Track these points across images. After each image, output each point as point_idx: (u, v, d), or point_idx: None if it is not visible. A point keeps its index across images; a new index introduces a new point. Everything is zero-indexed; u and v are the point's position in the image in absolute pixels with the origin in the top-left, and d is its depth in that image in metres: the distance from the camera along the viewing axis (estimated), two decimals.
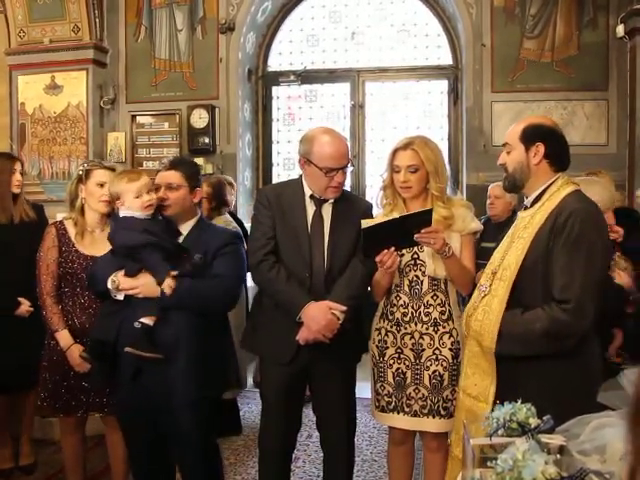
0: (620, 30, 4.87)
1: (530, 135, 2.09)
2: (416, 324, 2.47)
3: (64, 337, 2.66)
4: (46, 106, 5.58)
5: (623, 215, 3.07)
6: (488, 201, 4.27)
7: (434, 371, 2.46)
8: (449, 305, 2.49)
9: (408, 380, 2.48)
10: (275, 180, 5.90)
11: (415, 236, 2.28)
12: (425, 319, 2.47)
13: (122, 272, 2.37)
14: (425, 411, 2.46)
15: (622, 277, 2.71)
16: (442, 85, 5.74)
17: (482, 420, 1.51)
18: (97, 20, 5.50)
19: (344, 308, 2.41)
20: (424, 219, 2.28)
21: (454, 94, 5.63)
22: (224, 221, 3.90)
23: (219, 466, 2.64)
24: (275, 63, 6.06)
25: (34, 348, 2.80)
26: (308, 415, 2.97)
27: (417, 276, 2.49)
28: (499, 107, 5.17)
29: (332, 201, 2.52)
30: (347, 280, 2.48)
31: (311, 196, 2.53)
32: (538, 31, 5.12)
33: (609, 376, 1.60)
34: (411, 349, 2.48)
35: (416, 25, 5.77)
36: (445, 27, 5.69)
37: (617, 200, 3.22)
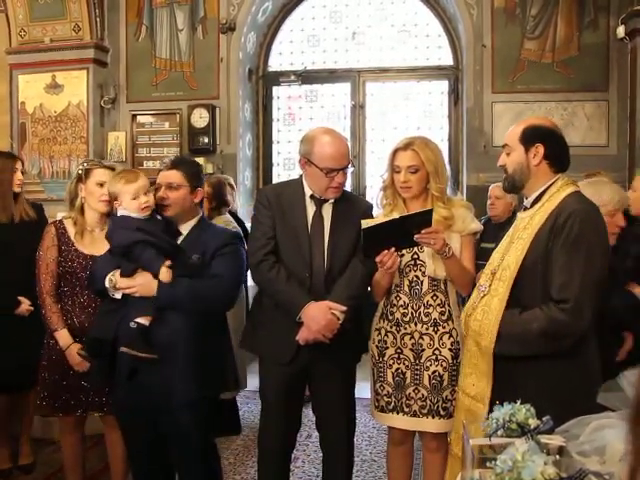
0: (621, 31, 4.88)
1: (530, 136, 2.09)
2: (416, 324, 2.47)
3: (63, 336, 2.66)
4: (46, 105, 5.58)
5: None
6: (489, 202, 4.28)
7: (434, 371, 2.46)
8: (449, 305, 2.49)
9: (408, 380, 2.48)
10: (275, 180, 5.90)
11: (415, 236, 2.28)
12: (425, 319, 2.47)
13: (119, 271, 2.38)
14: (425, 411, 2.46)
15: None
16: (442, 85, 5.74)
17: (481, 420, 1.51)
18: (98, 19, 5.51)
19: (344, 308, 2.41)
20: (424, 219, 2.28)
21: (454, 95, 5.64)
22: (224, 221, 3.90)
23: (217, 466, 2.64)
24: (276, 63, 6.06)
25: (34, 348, 2.80)
26: (308, 415, 2.97)
27: (417, 276, 2.49)
28: (499, 108, 5.17)
29: (332, 201, 2.52)
30: (347, 280, 2.48)
31: (311, 196, 2.53)
32: (539, 32, 5.12)
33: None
34: (411, 349, 2.48)
35: (417, 25, 5.77)
36: (446, 27, 5.69)
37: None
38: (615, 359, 2.60)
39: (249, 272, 2.76)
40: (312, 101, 6.01)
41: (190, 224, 2.50)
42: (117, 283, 2.35)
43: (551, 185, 2.09)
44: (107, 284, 2.37)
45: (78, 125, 5.54)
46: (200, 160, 4.92)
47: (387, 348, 2.52)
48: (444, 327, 2.47)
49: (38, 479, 3.35)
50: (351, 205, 2.58)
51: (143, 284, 2.34)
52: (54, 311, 2.69)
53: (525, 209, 2.16)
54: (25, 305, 3.10)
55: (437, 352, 2.46)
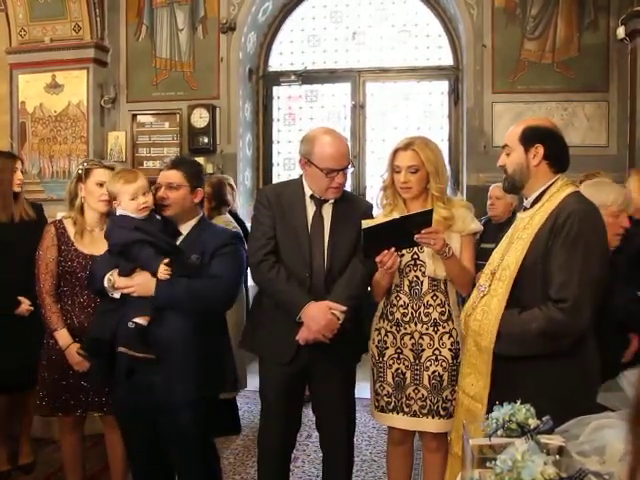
0: (621, 32, 4.88)
1: (529, 136, 2.10)
2: (416, 324, 2.47)
3: (63, 336, 2.66)
4: (47, 105, 5.58)
5: None
6: (489, 202, 4.28)
7: (434, 371, 2.46)
8: (449, 305, 2.49)
9: (408, 380, 2.48)
10: (275, 180, 5.90)
11: (415, 236, 2.28)
12: (425, 319, 2.47)
13: (118, 270, 2.38)
14: (424, 411, 2.46)
15: None
16: (443, 86, 5.74)
17: (479, 420, 1.51)
18: (98, 19, 5.51)
19: (344, 308, 2.41)
20: (425, 219, 2.28)
21: (455, 95, 5.64)
22: (224, 221, 3.90)
23: (217, 466, 2.64)
24: (276, 63, 6.06)
25: (34, 347, 2.79)
26: (308, 415, 2.97)
27: (417, 276, 2.49)
28: (500, 108, 5.17)
29: (332, 201, 2.52)
30: (347, 280, 2.48)
31: (311, 196, 2.53)
32: (539, 32, 5.12)
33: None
34: (411, 349, 2.48)
35: (417, 25, 5.77)
36: (446, 28, 5.69)
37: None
38: (619, 359, 2.59)
39: (249, 272, 2.76)
40: (312, 101, 6.01)
41: (190, 224, 2.50)
42: (115, 283, 2.36)
43: (551, 185, 2.09)
44: (106, 284, 2.37)
45: (78, 125, 5.54)
46: (200, 160, 4.91)
47: (387, 348, 2.52)
48: (444, 327, 2.47)
49: (38, 479, 3.35)
50: (351, 205, 2.58)
51: (141, 284, 2.34)
52: (54, 311, 2.69)
53: (525, 209, 2.17)
54: (25, 305, 3.10)
55: (437, 352, 2.46)
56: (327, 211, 2.53)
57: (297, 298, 2.43)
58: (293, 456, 2.84)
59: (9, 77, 5.64)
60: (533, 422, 1.41)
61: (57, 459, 3.22)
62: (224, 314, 2.58)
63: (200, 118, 5.50)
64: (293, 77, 5.86)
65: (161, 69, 5.67)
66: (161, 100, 5.67)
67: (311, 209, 2.53)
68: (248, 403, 4.41)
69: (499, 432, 1.42)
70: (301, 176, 2.59)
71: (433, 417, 2.46)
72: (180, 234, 2.48)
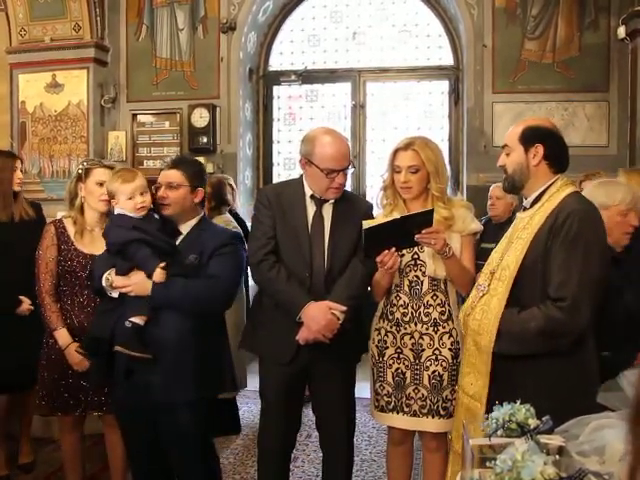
0: (621, 32, 4.88)
1: (529, 137, 2.10)
2: (416, 324, 2.47)
3: (62, 336, 2.66)
4: (47, 105, 5.58)
5: None
6: (489, 202, 4.28)
7: (434, 371, 2.46)
8: (449, 305, 2.49)
9: (407, 380, 2.48)
10: (275, 180, 5.90)
11: (416, 236, 2.28)
12: (425, 319, 2.47)
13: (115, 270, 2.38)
14: (424, 411, 2.46)
15: None
16: (443, 86, 5.74)
17: (479, 419, 1.51)
18: (98, 19, 5.50)
19: (344, 308, 2.41)
20: (425, 219, 2.28)
21: (455, 95, 5.64)
22: (224, 221, 3.91)
23: (216, 466, 2.64)
24: (276, 63, 6.06)
25: (33, 347, 2.79)
26: (308, 415, 2.97)
27: (417, 276, 2.49)
28: (500, 108, 5.17)
29: (332, 201, 2.52)
30: (347, 280, 2.48)
31: (311, 196, 2.53)
32: (539, 32, 5.12)
33: None
34: (411, 349, 2.48)
35: (417, 25, 5.77)
36: (446, 28, 5.69)
37: None
38: (625, 358, 2.57)
39: (249, 272, 2.76)
40: (312, 101, 6.01)
41: (190, 224, 2.50)
42: (113, 282, 2.36)
43: (550, 185, 2.09)
44: (104, 283, 2.38)
45: (78, 124, 5.54)
46: (200, 160, 4.93)
47: (387, 348, 2.52)
48: (444, 327, 2.47)
49: (38, 478, 3.35)
50: (351, 205, 2.58)
51: (138, 283, 2.34)
52: (53, 310, 2.69)
53: (524, 209, 2.17)
54: (26, 304, 3.09)
55: (437, 352, 2.46)
56: (327, 211, 2.53)
57: (297, 298, 2.43)
58: (293, 456, 2.84)
59: (9, 77, 5.64)
60: (533, 422, 1.41)
61: (57, 459, 3.22)
62: (223, 314, 2.57)
63: (200, 118, 5.50)
64: (293, 77, 5.86)
65: (161, 69, 5.67)
66: (161, 100, 5.66)
67: (311, 209, 2.53)
68: (248, 403, 4.41)
69: (499, 432, 1.42)
70: (301, 176, 2.59)
71: (433, 417, 2.46)
72: (180, 233, 2.48)
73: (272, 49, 6.06)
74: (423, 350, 2.47)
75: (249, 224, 3.63)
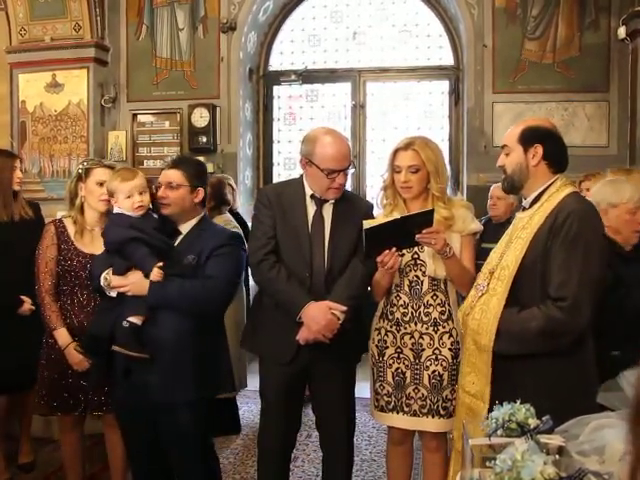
0: (622, 32, 4.88)
1: (528, 137, 2.10)
2: (416, 324, 2.47)
3: (62, 335, 2.66)
4: (47, 104, 5.57)
5: None
6: (490, 202, 4.27)
7: (434, 371, 2.46)
8: (449, 305, 2.49)
9: (407, 380, 2.48)
10: (276, 180, 5.90)
11: (416, 236, 2.28)
12: (425, 319, 2.47)
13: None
14: (424, 411, 2.46)
15: None
16: (443, 86, 5.74)
17: (481, 419, 1.51)
18: (98, 18, 5.50)
19: (344, 308, 2.41)
20: (426, 219, 2.28)
21: (455, 95, 5.63)
22: (224, 220, 3.90)
23: (216, 466, 2.64)
24: (276, 62, 6.06)
25: (33, 347, 2.79)
26: (308, 415, 2.97)
27: (417, 276, 2.49)
28: (500, 108, 5.17)
29: (333, 201, 2.52)
30: (347, 280, 2.48)
31: (312, 196, 2.53)
32: (539, 32, 5.12)
33: None
34: (411, 349, 2.48)
35: (417, 25, 5.77)
36: (447, 28, 5.69)
37: None
38: (632, 358, 2.56)
39: (250, 272, 2.75)
40: (313, 101, 6.01)
41: (190, 224, 2.50)
42: (111, 282, 2.36)
43: (550, 185, 2.10)
44: (102, 282, 2.38)
45: (78, 124, 5.54)
46: (200, 159, 4.94)
47: (387, 348, 2.52)
48: (444, 327, 2.47)
49: (38, 478, 3.36)
50: (351, 205, 2.58)
51: (135, 283, 2.34)
52: (53, 310, 2.69)
53: (524, 209, 2.17)
54: (27, 304, 3.09)
55: (437, 352, 2.46)
56: (327, 211, 2.53)
57: (297, 298, 2.43)
58: (293, 456, 2.84)
59: (9, 76, 5.64)
60: (533, 422, 1.41)
61: (57, 458, 3.22)
62: (222, 314, 2.57)
63: (200, 117, 5.50)
64: (293, 77, 5.86)
65: (161, 68, 5.67)
66: (161, 99, 5.66)
67: (312, 209, 2.53)
68: (248, 403, 4.41)
69: (499, 432, 1.42)
70: (302, 176, 2.59)
71: (433, 417, 2.46)
72: (180, 233, 2.48)
73: (272, 49, 6.06)
74: (423, 350, 2.47)
75: (250, 224, 3.62)
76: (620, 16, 4.92)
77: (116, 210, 2.45)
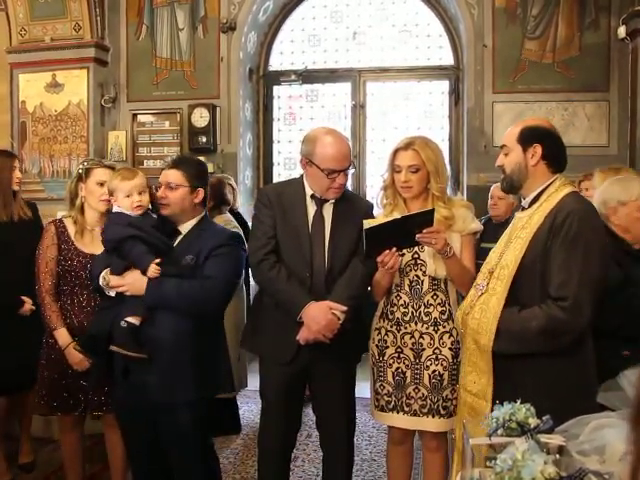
0: (622, 31, 4.87)
1: (527, 137, 2.10)
2: (416, 324, 2.47)
3: (62, 335, 2.66)
4: (47, 104, 5.58)
5: None
6: (490, 202, 4.27)
7: (434, 371, 2.46)
8: (449, 305, 2.49)
9: (408, 380, 2.48)
10: (276, 179, 5.90)
11: (417, 236, 2.29)
12: (425, 319, 2.47)
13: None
14: (425, 410, 2.46)
15: None
16: (443, 85, 5.74)
17: (484, 418, 1.51)
18: (98, 19, 5.50)
19: (344, 308, 2.41)
20: (426, 219, 2.28)
21: (455, 94, 5.63)
22: (224, 220, 3.90)
23: (216, 466, 2.64)
24: (276, 62, 6.06)
25: (33, 347, 2.79)
26: (308, 415, 2.97)
27: (417, 276, 2.49)
28: (500, 108, 5.17)
29: (333, 201, 2.52)
30: (347, 280, 2.48)
31: (312, 196, 2.53)
32: (539, 32, 5.12)
33: None
34: (411, 349, 2.48)
35: (417, 25, 5.77)
36: (447, 27, 5.69)
37: None
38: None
39: (250, 272, 2.74)
40: (313, 101, 6.01)
41: (190, 224, 2.49)
42: (110, 282, 2.36)
43: (549, 185, 2.10)
44: (101, 282, 2.39)
45: (78, 124, 5.54)
46: (201, 159, 4.93)
47: (387, 347, 2.52)
48: (444, 326, 2.47)
49: (38, 478, 3.36)
50: (352, 205, 2.58)
51: (132, 283, 2.34)
52: (53, 310, 2.69)
53: (523, 209, 2.17)
54: (28, 305, 3.09)
55: (437, 351, 2.46)
56: (328, 211, 2.53)
57: (297, 298, 2.43)
58: (293, 456, 2.84)
59: (9, 76, 5.64)
60: (533, 421, 1.41)
61: (57, 458, 3.23)
62: (221, 315, 2.56)
63: (200, 117, 5.50)
64: (293, 77, 5.86)
65: (161, 68, 5.67)
66: (161, 99, 5.66)
67: (312, 209, 2.53)
68: (248, 403, 4.41)
69: (499, 431, 1.42)
70: (302, 176, 2.59)
71: (433, 416, 2.46)
72: (179, 233, 2.48)
73: (272, 49, 6.06)
74: (423, 349, 2.47)
75: (250, 224, 3.62)
76: (620, 16, 4.92)
77: (115, 209, 2.45)
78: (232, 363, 2.69)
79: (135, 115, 5.73)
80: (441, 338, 2.46)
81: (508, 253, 2.08)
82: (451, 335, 2.46)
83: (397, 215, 2.40)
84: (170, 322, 2.36)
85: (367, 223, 2.29)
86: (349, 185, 2.94)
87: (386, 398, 2.53)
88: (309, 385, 2.64)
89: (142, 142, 5.72)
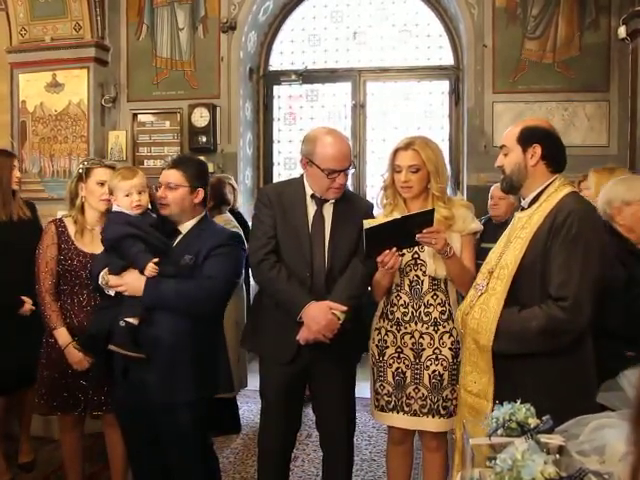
0: (622, 31, 4.87)
1: (527, 137, 2.10)
2: (416, 324, 2.47)
3: (62, 335, 2.66)
4: (47, 104, 5.57)
5: None
6: (491, 202, 4.27)
7: (434, 371, 2.46)
8: (449, 305, 2.49)
9: (408, 380, 2.48)
10: (276, 179, 5.90)
11: (417, 236, 2.29)
12: (425, 319, 2.47)
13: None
14: (425, 410, 2.46)
15: None
16: (443, 85, 5.74)
17: (484, 418, 1.51)
18: (98, 18, 5.50)
19: (344, 308, 2.41)
20: (426, 219, 2.28)
21: (455, 94, 5.63)
22: (224, 220, 3.90)
23: (216, 466, 2.64)
24: (276, 62, 6.06)
25: (33, 347, 2.79)
26: (308, 415, 2.97)
27: (417, 276, 2.49)
28: (500, 108, 5.17)
29: (333, 201, 2.52)
30: (347, 280, 2.48)
31: (312, 195, 2.53)
32: (540, 32, 5.12)
33: None
34: (411, 349, 2.48)
35: (418, 25, 5.77)
36: (447, 27, 5.69)
37: None
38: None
39: (250, 272, 2.74)
40: (313, 100, 6.01)
41: (190, 224, 2.49)
42: (108, 281, 2.37)
43: (549, 185, 2.10)
44: (100, 281, 2.39)
45: (79, 124, 5.54)
46: (202, 159, 4.93)
47: (387, 347, 2.52)
48: (444, 326, 2.47)
49: (38, 477, 3.36)
50: (352, 205, 2.58)
51: (130, 282, 2.34)
52: (53, 309, 2.69)
53: (522, 209, 2.17)
54: (28, 305, 3.09)
55: (437, 351, 2.46)
56: (328, 211, 2.53)
57: (297, 298, 2.43)
58: (293, 455, 2.84)
59: (10, 76, 5.64)
60: (533, 421, 1.41)
61: (57, 458, 3.23)
62: (220, 314, 2.56)
63: (201, 117, 5.50)
64: (294, 76, 5.86)
65: (162, 68, 5.67)
66: (162, 99, 5.66)
67: (312, 208, 2.53)
68: (248, 403, 4.41)
69: (499, 431, 1.42)
70: (302, 175, 2.59)
71: (433, 416, 2.46)
72: (179, 233, 2.48)
73: (272, 49, 6.06)
74: (423, 349, 2.47)
75: (250, 224, 3.62)
76: (620, 16, 4.92)
77: (115, 208, 2.46)
78: (232, 363, 2.69)
79: (135, 115, 5.73)
80: (441, 338, 2.46)
81: (508, 253, 2.08)
82: (451, 335, 2.46)
83: (397, 215, 2.40)
84: (170, 322, 2.36)
85: (367, 223, 2.29)
86: (349, 185, 2.94)
87: (386, 398, 2.53)
88: (309, 385, 2.64)
89: (142, 142, 5.72)
